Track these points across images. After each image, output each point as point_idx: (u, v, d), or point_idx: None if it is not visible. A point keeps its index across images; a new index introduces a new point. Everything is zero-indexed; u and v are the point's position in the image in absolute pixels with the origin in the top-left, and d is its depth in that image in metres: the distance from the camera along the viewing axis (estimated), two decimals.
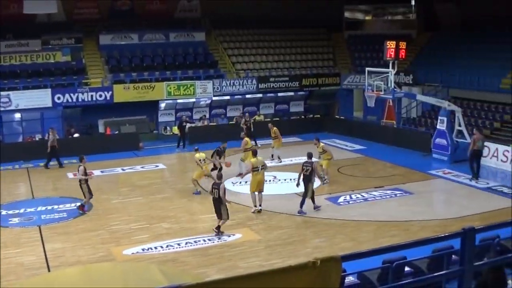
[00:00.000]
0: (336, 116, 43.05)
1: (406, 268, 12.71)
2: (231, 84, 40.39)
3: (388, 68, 31.78)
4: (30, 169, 30.76)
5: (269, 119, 39.20)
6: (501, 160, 29.15)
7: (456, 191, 25.62)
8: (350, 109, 44.27)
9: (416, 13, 47.02)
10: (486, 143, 29.18)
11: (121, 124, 38.28)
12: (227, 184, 25.04)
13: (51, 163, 31.10)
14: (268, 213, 22.07)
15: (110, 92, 37.16)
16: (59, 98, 35.95)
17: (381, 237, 19.22)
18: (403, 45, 32.22)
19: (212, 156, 26.43)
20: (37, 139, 35.29)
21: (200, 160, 25.23)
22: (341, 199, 23.74)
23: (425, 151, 32.19)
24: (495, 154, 29.44)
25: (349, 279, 12.88)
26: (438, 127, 31.51)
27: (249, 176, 23.17)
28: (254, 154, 23.36)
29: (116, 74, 39.59)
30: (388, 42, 31.80)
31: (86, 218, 22.08)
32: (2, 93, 34.89)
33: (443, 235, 7.03)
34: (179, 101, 38.99)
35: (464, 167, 27.84)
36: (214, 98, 39.85)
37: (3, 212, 22.74)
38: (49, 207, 23.39)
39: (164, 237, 19.65)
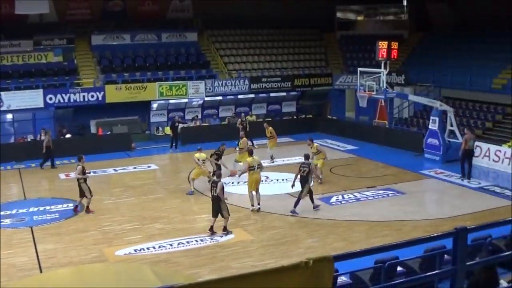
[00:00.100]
0: (328, 116, 43.07)
1: (399, 268, 12.73)
2: (223, 84, 40.38)
3: (380, 68, 31.81)
4: (22, 169, 30.66)
5: (261, 119, 39.21)
6: (493, 160, 29.23)
7: (448, 191, 25.67)
8: (342, 109, 44.29)
9: (408, 13, 47.05)
10: (478, 143, 29.33)
11: (113, 125, 38.20)
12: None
13: (46, 163, 31.07)
14: (261, 213, 22.08)
15: (102, 93, 37.10)
16: (51, 99, 35.86)
17: (373, 237, 19.25)
18: (395, 45, 32.24)
19: (211, 156, 26.41)
20: (29, 139, 35.19)
21: (199, 160, 25.26)
22: (333, 199, 23.76)
23: (417, 151, 32.25)
24: (487, 154, 29.51)
25: (342, 279, 12.89)
26: (430, 127, 31.57)
27: (244, 176, 23.29)
28: (250, 153, 23.46)
29: (108, 75, 39.53)
30: (380, 42, 31.81)
31: (78, 219, 22.02)
32: None
33: (435, 235, 7.06)
34: (171, 101, 38.94)
35: (456, 167, 27.90)
36: (206, 99, 39.81)
37: None
38: (41, 208, 23.31)
39: (157, 238, 19.63)
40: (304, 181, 21.94)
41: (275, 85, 41.85)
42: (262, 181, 24.58)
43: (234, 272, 7.46)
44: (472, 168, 27.65)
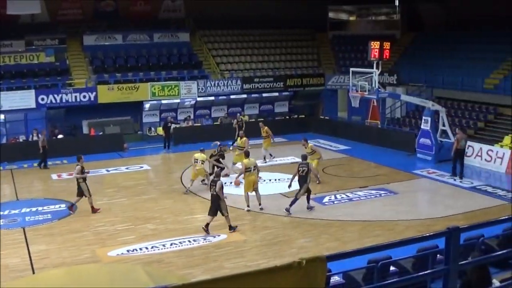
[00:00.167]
0: (321, 117, 43.08)
1: (391, 268, 12.77)
2: (216, 84, 40.37)
3: (373, 68, 31.83)
4: (14, 170, 30.57)
5: (253, 120, 39.19)
6: (485, 160, 29.32)
7: (440, 191, 25.74)
8: (335, 110, 44.30)
9: (400, 13, 47.15)
10: (470, 143, 29.47)
11: (106, 125, 38.12)
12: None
13: (45, 163, 31.08)
14: (254, 214, 22.10)
15: (94, 93, 37.02)
16: (43, 99, 35.78)
17: (366, 237, 19.29)
18: (387, 45, 32.27)
19: (210, 157, 26.40)
20: (21, 140, 35.09)
21: (197, 160, 25.26)
22: (326, 199, 23.78)
23: (410, 151, 32.32)
24: (479, 154, 29.60)
25: (335, 279, 12.92)
26: (422, 127, 31.64)
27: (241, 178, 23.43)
28: (247, 155, 23.50)
29: (100, 75, 39.47)
30: (372, 42, 31.83)
31: (71, 220, 21.99)
32: None
33: (428, 234, 7.05)
34: (163, 101, 38.88)
35: (449, 166, 27.97)
36: (198, 99, 39.77)
37: None
38: (34, 209, 23.24)
39: (150, 238, 19.62)
40: (303, 180, 22.03)
41: (268, 85, 41.85)
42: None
43: (227, 272, 7.45)
44: (464, 168, 27.80)
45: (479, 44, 38.79)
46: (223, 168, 25.99)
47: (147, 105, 38.53)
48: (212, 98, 40.40)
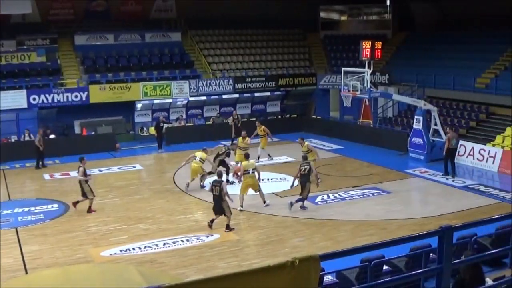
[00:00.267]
0: (313, 116, 43.05)
1: (384, 267, 12.78)
2: (208, 84, 40.34)
3: (364, 68, 31.86)
4: (6, 170, 30.48)
5: (245, 119, 39.15)
6: (477, 159, 29.38)
7: (432, 190, 25.81)
8: (327, 109, 44.34)
9: (391, 13, 47.22)
10: (462, 142, 29.57)
11: (97, 125, 38.02)
12: (206, 185, 25.25)
13: (42, 162, 31.04)
14: (247, 213, 22.08)
15: (86, 93, 36.93)
16: (34, 99, 35.69)
17: (359, 236, 19.30)
18: (378, 45, 32.34)
19: (216, 157, 26.42)
20: (13, 140, 34.96)
21: (195, 157, 25.35)
22: (318, 199, 23.75)
23: (402, 150, 32.38)
24: (471, 153, 29.67)
25: (328, 278, 12.93)
26: (414, 126, 31.69)
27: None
28: (246, 157, 23.53)
29: (92, 75, 39.40)
30: (364, 42, 31.84)
31: (64, 220, 21.93)
32: None
33: (421, 233, 7.08)
34: (155, 101, 38.82)
35: (441, 166, 28.03)
36: (190, 99, 39.73)
37: None
38: (26, 209, 23.14)
39: (142, 238, 19.59)
40: (305, 179, 22.08)
41: (260, 85, 41.85)
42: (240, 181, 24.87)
43: (220, 272, 7.45)
44: (457, 167, 27.94)
45: (470, 43, 38.91)
46: (228, 169, 26.13)
47: (139, 105, 38.46)
48: (204, 97, 40.37)
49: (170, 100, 39.27)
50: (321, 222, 21.06)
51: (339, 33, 48.71)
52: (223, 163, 26.44)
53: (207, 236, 19.66)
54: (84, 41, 41.03)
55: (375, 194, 24.71)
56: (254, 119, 38.34)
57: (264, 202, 22.79)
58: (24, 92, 35.74)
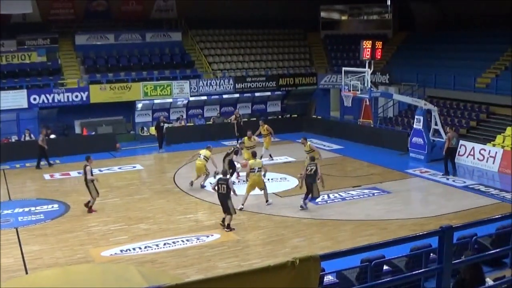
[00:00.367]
0: (313, 116, 43.05)
1: (385, 267, 12.78)
2: (208, 84, 40.33)
3: (365, 67, 31.85)
4: (6, 170, 30.46)
5: (246, 119, 39.15)
6: (478, 159, 29.37)
7: (433, 190, 25.80)
8: (327, 109, 44.34)
9: (391, 13, 47.23)
10: (462, 142, 29.59)
11: (98, 125, 38.03)
12: (207, 185, 25.38)
13: (41, 162, 31.05)
14: (247, 213, 22.07)
15: (86, 93, 36.92)
16: (35, 99, 35.67)
17: (359, 236, 19.30)
18: (379, 44, 32.33)
19: (226, 156, 26.44)
20: (13, 140, 34.95)
21: (200, 155, 25.46)
22: (319, 199, 23.69)
23: (402, 150, 32.36)
24: (472, 153, 29.67)
25: (328, 278, 12.93)
26: (414, 126, 31.68)
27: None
28: (253, 155, 23.61)
29: (92, 75, 39.40)
30: (364, 42, 31.82)
31: (64, 220, 21.94)
32: None
33: (421, 233, 7.07)
34: (156, 101, 38.81)
35: (441, 166, 28.01)
36: (191, 98, 39.72)
37: None
38: (26, 209, 23.14)
39: (143, 238, 19.59)
40: (311, 179, 22.12)
41: (260, 84, 41.84)
42: (247, 180, 24.91)
43: (220, 272, 7.45)
44: (457, 167, 27.96)
45: (471, 43, 38.91)
46: (234, 171, 26.21)
47: (139, 105, 38.46)
48: (205, 97, 40.37)
49: (170, 100, 39.27)
50: (321, 222, 21.07)
51: (339, 33, 48.66)
52: (231, 163, 26.46)
53: (208, 236, 19.66)
54: (85, 41, 41.01)
55: (375, 194, 24.72)
56: (255, 119, 38.42)
57: (267, 201, 22.89)
58: (24, 92, 35.73)
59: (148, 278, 8.37)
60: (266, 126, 31.79)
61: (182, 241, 19.30)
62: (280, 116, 42.09)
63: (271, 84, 42.16)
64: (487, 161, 28.92)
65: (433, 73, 37.18)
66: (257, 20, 44.93)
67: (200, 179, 25.77)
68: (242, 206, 22.37)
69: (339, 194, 24.49)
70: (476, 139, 30.90)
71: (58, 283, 8.43)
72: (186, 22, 44.22)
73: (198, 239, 19.45)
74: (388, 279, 7.93)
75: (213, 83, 40.51)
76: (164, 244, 19.05)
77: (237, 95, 41.37)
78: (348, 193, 24.75)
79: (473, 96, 34.63)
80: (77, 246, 19.03)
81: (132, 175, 29.66)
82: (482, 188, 25.34)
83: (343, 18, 50.74)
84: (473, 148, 29.69)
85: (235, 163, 26.64)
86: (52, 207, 23.45)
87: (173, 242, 19.17)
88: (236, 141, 34.14)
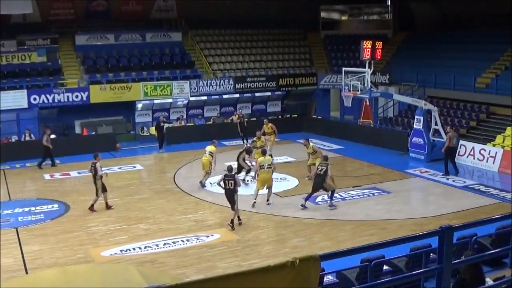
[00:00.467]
0: (313, 116, 43.05)
1: (385, 267, 12.78)
2: (208, 84, 40.34)
3: (365, 68, 31.85)
4: (6, 170, 30.45)
5: (246, 119, 39.14)
6: (478, 159, 29.37)
7: (433, 190, 25.79)
8: (327, 109, 44.36)
9: (392, 13, 47.24)
10: (462, 142, 29.60)
11: (98, 125, 38.04)
12: (207, 185, 25.47)
13: (45, 162, 31.02)
14: (247, 213, 22.03)
15: (87, 93, 36.94)
16: (35, 99, 35.68)
17: (359, 236, 19.29)
18: (379, 45, 32.34)
19: (237, 159, 26.42)
20: (13, 140, 34.95)
21: (206, 152, 25.55)
22: (319, 199, 23.70)
23: (402, 150, 32.35)
24: (472, 153, 29.66)
25: (328, 278, 12.93)
26: (414, 126, 31.67)
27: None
28: (263, 153, 23.92)
29: (92, 75, 39.41)
30: (365, 42, 31.83)
31: (64, 220, 21.93)
32: None
33: (421, 233, 7.07)
34: (156, 101, 38.81)
35: (441, 166, 28.00)
36: (191, 99, 39.73)
37: None
38: (26, 209, 23.14)
39: (143, 238, 19.58)
40: (321, 180, 22.19)
41: (260, 85, 41.85)
42: (249, 181, 24.92)
43: (220, 272, 7.45)
44: (457, 167, 27.94)
45: (471, 43, 38.92)
46: (240, 170, 26.22)
47: (139, 105, 38.46)
48: (205, 97, 40.38)
49: (170, 100, 39.28)
50: (321, 222, 21.06)
51: (339, 33, 48.66)
52: (243, 162, 26.45)
53: (207, 236, 19.66)
54: (85, 41, 41.04)
55: (375, 194, 24.71)
56: (255, 119, 38.42)
57: (268, 200, 22.90)
58: (24, 92, 35.74)
59: (148, 278, 8.38)
60: (270, 124, 31.84)
61: (182, 241, 19.29)
62: (280, 116, 42.04)
63: (271, 84, 42.17)
64: (487, 161, 28.92)
65: (433, 73, 37.20)
66: (257, 20, 44.95)
67: (207, 175, 25.77)
68: (255, 201, 22.54)
69: (339, 194, 24.40)
70: (476, 139, 30.91)
71: (58, 283, 8.44)
72: (186, 22, 44.23)
73: (198, 239, 19.44)
74: (388, 279, 7.93)
75: (213, 83, 40.52)
76: (164, 244, 19.05)
77: (237, 95, 41.39)
78: (348, 193, 24.72)
79: (473, 96, 34.64)
80: (77, 246, 19.03)
81: (132, 175, 29.66)
82: (482, 188, 25.34)
83: (343, 18, 50.73)
84: (473, 148, 29.69)
85: (248, 162, 26.51)
86: (52, 207, 23.45)
87: (173, 242, 19.16)
88: (242, 141, 34.49)
